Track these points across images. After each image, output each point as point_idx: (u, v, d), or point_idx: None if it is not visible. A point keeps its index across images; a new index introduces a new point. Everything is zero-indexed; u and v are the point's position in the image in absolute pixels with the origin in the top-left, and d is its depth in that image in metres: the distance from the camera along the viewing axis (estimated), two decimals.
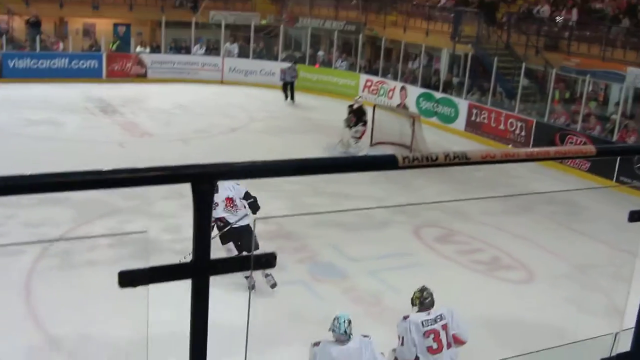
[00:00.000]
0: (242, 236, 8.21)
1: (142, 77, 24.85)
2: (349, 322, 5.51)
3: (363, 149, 16.27)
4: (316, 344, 5.47)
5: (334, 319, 5.53)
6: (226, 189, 8.29)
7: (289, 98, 22.76)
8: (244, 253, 7.71)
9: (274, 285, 8.37)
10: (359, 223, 11.33)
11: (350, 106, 16.93)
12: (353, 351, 5.43)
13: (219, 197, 8.27)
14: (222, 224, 8.30)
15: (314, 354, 5.40)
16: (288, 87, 22.78)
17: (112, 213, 11.07)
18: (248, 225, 8.19)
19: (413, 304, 6.02)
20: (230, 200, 8.31)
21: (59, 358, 6.96)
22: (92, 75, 23.98)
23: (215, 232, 8.01)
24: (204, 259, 1.53)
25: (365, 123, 16.57)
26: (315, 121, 20.27)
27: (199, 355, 1.56)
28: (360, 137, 16.49)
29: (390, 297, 8.42)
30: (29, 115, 18.19)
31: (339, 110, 21.52)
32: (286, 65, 23.46)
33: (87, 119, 18.64)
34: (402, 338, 5.86)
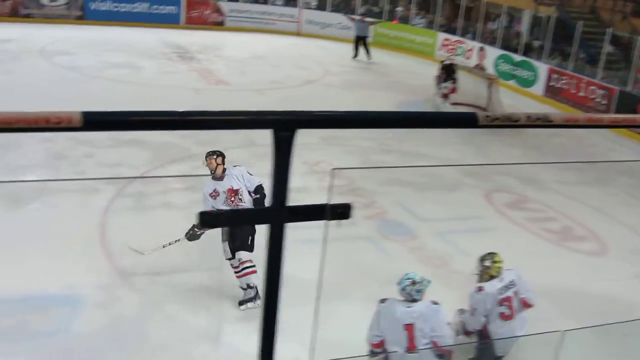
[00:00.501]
0: (238, 236, 6.91)
1: (219, 25, 25.00)
2: (413, 282, 5.26)
3: (449, 107, 15.88)
4: (383, 300, 5.35)
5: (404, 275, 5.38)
6: (233, 177, 7.03)
7: (360, 55, 22.01)
8: (241, 255, 6.94)
9: (241, 303, 7.04)
10: (430, 183, 11.22)
11: (442, 61, 16.77)
12: (418, 315, 5.22)
13: (222, 186, 7.02)
14: None
15: (379, 310, 5.31)
16: (360, 43, 22.12)
17: (185, 158, 11.26)
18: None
19: (491, 273, 5.77)
20: (233, 192, 6.99)
21: (130, 295, 7.17)
22: (170, 21, 24.30)
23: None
24: (282, 205, 1.53)
25: (455, 81, 16.13)
26: (390, 78, 20.02)
27: (273, 300, 1.57)
28: (447, 95, 16.09)
29: (458, 260, 8.32)
30: (109, 58, 18.60)
31: (415, 68, 21.25)
32: (357, 16, 23.13)
33: (165, 64, 18.92)
34: (475, 310, 5.71)
